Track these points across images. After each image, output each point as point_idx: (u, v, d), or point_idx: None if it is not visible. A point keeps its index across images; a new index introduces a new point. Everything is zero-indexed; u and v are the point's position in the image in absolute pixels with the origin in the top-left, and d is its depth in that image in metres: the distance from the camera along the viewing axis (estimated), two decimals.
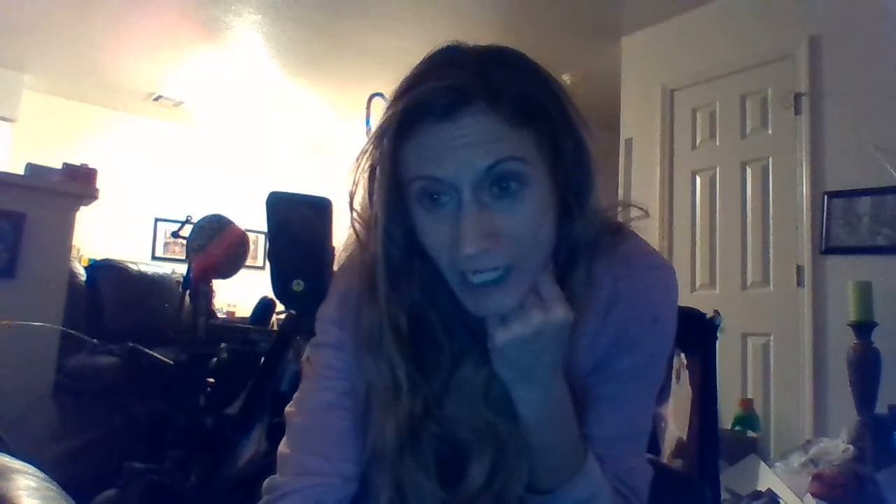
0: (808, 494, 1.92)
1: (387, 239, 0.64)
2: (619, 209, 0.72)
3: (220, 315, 4.33)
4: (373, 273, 0.66)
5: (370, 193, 0.66)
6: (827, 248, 2.78)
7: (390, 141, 0.61)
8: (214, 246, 2.29)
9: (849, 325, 2.37)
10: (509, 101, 0.59)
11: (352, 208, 0.69)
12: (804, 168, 2.88)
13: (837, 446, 2.10)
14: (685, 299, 0.75)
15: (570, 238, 0.65)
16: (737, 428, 2.53)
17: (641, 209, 0.74)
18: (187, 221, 2.48)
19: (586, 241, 0.65)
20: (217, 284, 2.41)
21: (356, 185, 0.67)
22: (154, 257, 5.51)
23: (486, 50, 0.63)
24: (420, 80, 0.60)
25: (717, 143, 3.33)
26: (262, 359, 2.00)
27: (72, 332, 2.47)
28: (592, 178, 0.64)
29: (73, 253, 3.17)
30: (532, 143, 0.60)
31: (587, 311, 0.65)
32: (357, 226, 0.69)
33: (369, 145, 0.65)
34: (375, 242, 0.65)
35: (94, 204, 2.72)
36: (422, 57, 0.64)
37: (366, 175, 0.66)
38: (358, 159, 0.67)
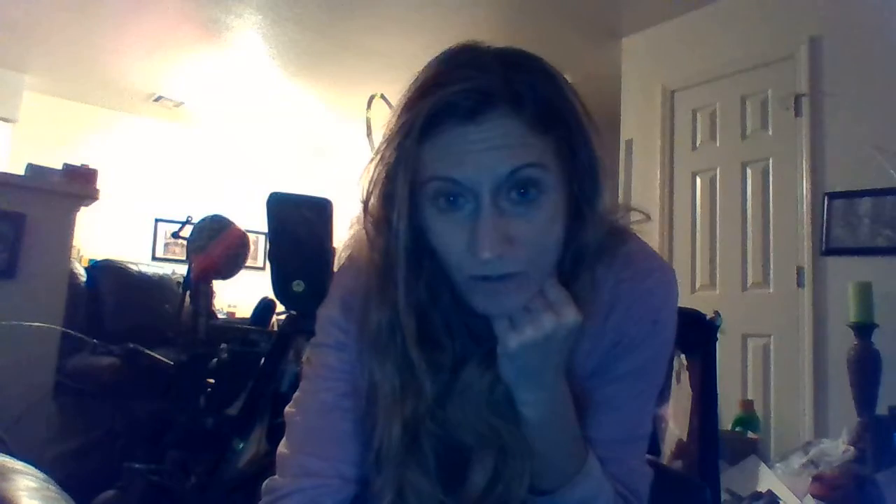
0: (809, 495, 1.92)
1: (405, 239, 0.63)
2: (621, 214, 0.72)
3: (220, 316, 4.33)
4: (382, 274, 0.66)
5: (385, 194, 0.65)
6: (827, 249, 2.78)
7: (413, 140, 0.60)
8: (215, 246, 2.28)
9: (849, 326, 2.37)
10: (531, 106, 0.59)
11: (366, 208, 0.68)
12: (804, 169, 2.88)
13: (838, 447, 2.10)
14: (685, 300, 0.75)
15: (578, 243, 0.65)
16: (737, 429, 2.53)
17: (644, 213, 0.74)
18: (188, 222, 2.48)
19: (593, 246, 0.65)
20: (217, 285, 2.41)
21: (372, 185, 0.66)
22: (154, 258, 5.51)
23: (506, 52, 0.63)
24: (442, 81, 0.60)
25: (718, 144, 3.33)
26: (263, 359, 2.00)
27: (72, 332, 2.47)
28: (602, 186, 0.64)
29: (74, 253, 3.17)
30: (551, 150, 0.60)
31: (590, 315, 0.65)
32: (368, 225, 0.68)
33: (385, 144, 0.64)
34: (393, 243, 0.64)
35: (95, 204, 2.72)
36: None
37: (382, 175, 0.65)
38: (374, 158, 0.66)
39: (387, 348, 0.66)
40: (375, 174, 0.65)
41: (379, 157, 0.65)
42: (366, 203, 0.67)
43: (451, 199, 0.60)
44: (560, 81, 0.63)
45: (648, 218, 0.75)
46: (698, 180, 3.39)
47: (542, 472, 0.66)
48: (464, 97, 0.58)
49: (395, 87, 0.64)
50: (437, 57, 0.63)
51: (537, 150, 0.59)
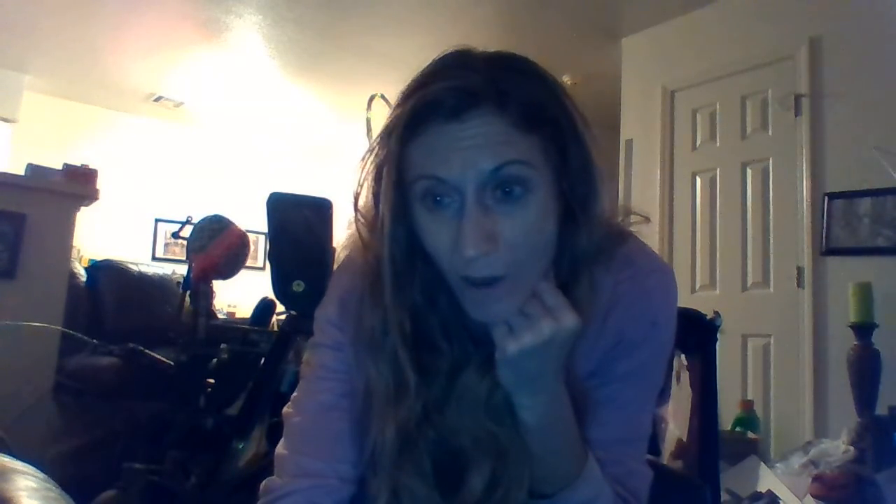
0: (809, 496, 1.92)
1: (392, 240, 0.63)
2: (621, 217, 0.72)
3: (220, 316, 4.32)
4: (376, 274, 0.66)
5: (375, 193, 0.65)
6: (827, 249, 2.78)
7: (397, 140, 0.60)
8: (215, 247, 2.28)
9: (849, 326, 2.37)
10: (517, 105, 0.59)
11: (356, 208, 0.68)
12: (804, 169, 2.88)
13: (838, 447, 2.10)
14: (685, 300, 0.75)
15: (575, 247, 0.64)
16: (737, 429, 2.53)
17: (643, 216, 0.74)
18: (187, 222, 2.48)
19: (589, 250, 0.65)
20: (217, 285, 2.40)
21: (361, 185, 0.66)
22: (154, 258, 5.51)
23: (495, 55, 0.63)
24: (429, 81, 0.60)
25: (718, 144, 3.33)
26: (263, 359, 2.00)
27: (72, 332, 2.47)
28: (598, 189, 0.64)
29: (74, 253, 3.17)
30: (538, 149, 0.60)
31: (589, 317, 0.65)
32: (360, 226, 0.68)
33: (375, 144, 0.64)
34: (380, 243, 0.64)
35: (95, 204, 2.72)
36: (421, 57, 0.63)
37: (371, 175, 0.65)
38: (364, 158, 0.66)
39: (380, 350, 0.66)
40: (364, 175, 0.66)
41: (369, 156, 0.65)
42: (356, 203, 0.68)
43: (438, 198, 0.60)
44: (549, 82, 0.62)
45: (648, 220, 0.74)
46: (698, 180, 3.39)
47: (543, 475, 0.66)
48: (448, 95, 0.58)
49: (395, 87, 0.64)
50: (429, 62, 0.64)
51: (522, 147, 0.59)
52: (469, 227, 0.57)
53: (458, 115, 0.58)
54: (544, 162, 0.61)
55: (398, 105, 0.62)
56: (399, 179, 0.62)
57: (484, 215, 0.58)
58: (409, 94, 0.61)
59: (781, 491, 1.90)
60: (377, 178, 0.64)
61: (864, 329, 2.33)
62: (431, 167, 0.59)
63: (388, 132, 0.62)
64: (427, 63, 0.63)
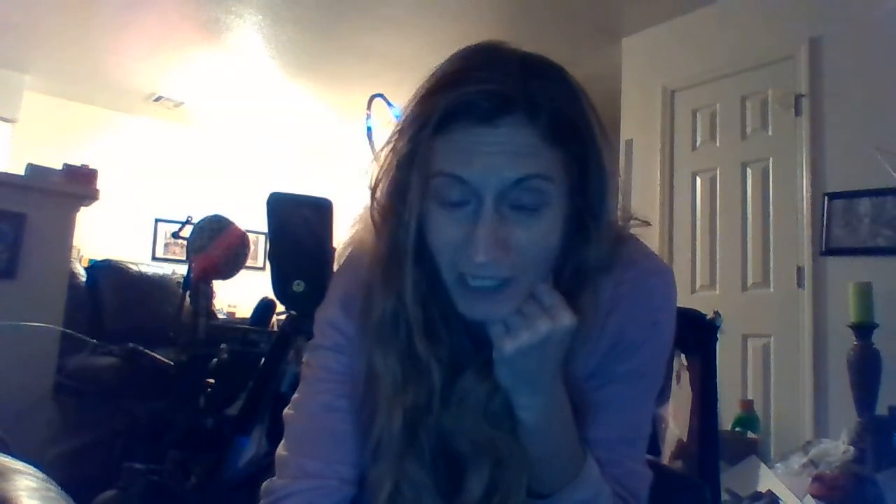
0: (809, 496, 1.92)
1: (415, 231, 0.63)
2: (622, 222, 0.72)
3: (220, 316, 4.32)
4: (387, 262, 0.65)
5: (395, 182, 0.65)
6: (827, 249, 2.78)
7: (428, 134, 0.60)
8: (215, 247, 2.28)
9: (849, 326, 2.37)
10: (547, 116, 0.59)
11: (373, 196, 0.67)
12: (804, 169, 2.88)
13: (838, 447, 2.10)
14: (685, 300, 0.75)
15: (581, 258, 0.64)
16: (737, 429, 2.53)
17: (645, 221, 0.74)
18: (188, 222, 2.48)
19: (595, 262, 0.65)
20: (217, 285, 2.40)
21: (381, 172, 0.66)
22: (154, 258, 5.51)
23: (530, 59, 0.63)
24: (462, 79, 0.59)
25: (718, 145, 3.33)
26: (263, 359, 2.00)
27: (72, 332, 2.47)
28: (611, 208, 0.64)
29: (74, 253, 3.17)
30: (561, 164, 0.60)
31: (593, 326, 0.65)
32: (374, 212, 0.68)
33: (397, 134, 0.64)
34: (400, 232, 0.64)
35: (95, 204, 2.72)
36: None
37: (393, 164, 0.65)
38: (385, 146, 0.66)
39: (390, 339, 0.66)
40: (386, 163, 0.65)
41: (390, 146, 0.65)
42: (373, 191, 0.67)
43: (454, 196, 0.60)
44: (580, 95, 0.63)
45: (648, 224, 0.75)
46: (698, 180, 3.39)
47: (541, 475, 0.66)
48: (483, 98, 0.58)
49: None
50: (459, 53, 0.63)
51: (547, 161, 0.59)
52: (484, 234, 0.58)
53: (490, 119, 0.58)
54: (563, 177, 0.61)
55: (427, 97, 0.61)
56: (423, 172, 0.62)
57: (499, 223, 0.58)
58: (439, 89, 0.60)
59: (781, 491, 1.90)
60: (400, 169, 0.64)
61: (864, 329, 2.33)
62: (454, 166, 0.59)
63: (418, 125, 0.61)
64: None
